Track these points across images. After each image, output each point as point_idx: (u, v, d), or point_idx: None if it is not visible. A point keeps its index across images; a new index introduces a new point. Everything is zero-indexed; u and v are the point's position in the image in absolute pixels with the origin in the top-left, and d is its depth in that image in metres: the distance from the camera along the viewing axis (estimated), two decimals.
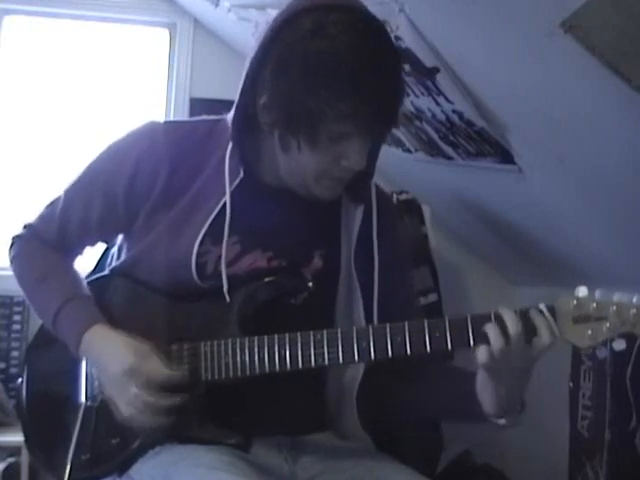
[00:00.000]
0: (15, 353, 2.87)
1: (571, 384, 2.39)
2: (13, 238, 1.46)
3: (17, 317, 2.88)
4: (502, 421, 1.21)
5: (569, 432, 2.41)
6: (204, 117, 1.41)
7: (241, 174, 1.31)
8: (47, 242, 1.42)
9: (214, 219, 1.30)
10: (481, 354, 1.13)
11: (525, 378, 1.19)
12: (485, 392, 1.20)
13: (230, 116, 1.29)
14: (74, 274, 1.44)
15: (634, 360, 1.98)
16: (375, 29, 1.19)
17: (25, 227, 1.46)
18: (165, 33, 3.14)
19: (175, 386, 1.26)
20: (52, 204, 1.43)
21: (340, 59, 1.13)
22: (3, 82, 3.07)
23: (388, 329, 1.19)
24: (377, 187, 1.40)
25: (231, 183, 1.31)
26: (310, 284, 1.31)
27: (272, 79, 1.18)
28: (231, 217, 1.30)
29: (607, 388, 2.17)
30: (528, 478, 2.78)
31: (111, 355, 1.28)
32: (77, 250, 1.45)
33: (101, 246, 1.55)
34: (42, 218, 1.44)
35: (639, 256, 2.01)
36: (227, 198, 1.30)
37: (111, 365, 1.28)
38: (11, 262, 1.45)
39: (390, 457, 1.35)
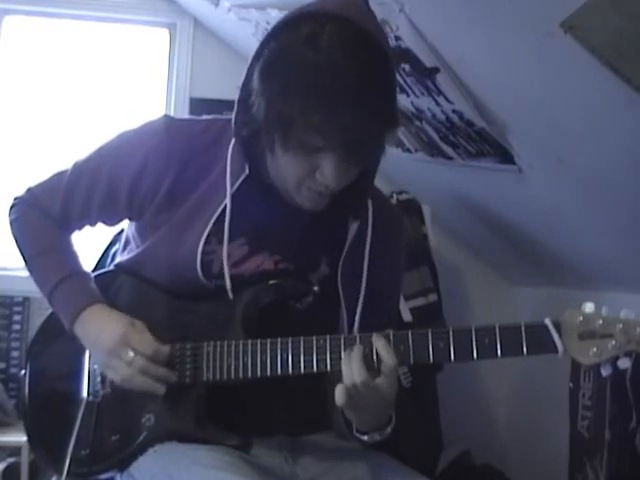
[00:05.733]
0: (15, 353, 2.87)
1: (571, 384, 2.39)
2: (15, 199, 1.47)
3: (17, 317, 2.88)
4: (377, 437, 1.26)
5: (569, 432, 2.41)
6: (217, 116, 1.40)
7: (246, 171, 1.30)
8: (48, 214, 1.42)
9: (218, 218, 1.30)
10: (338, 396, 1.16)
11: (387, 401, 1.20)
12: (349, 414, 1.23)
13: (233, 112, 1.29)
14: (75, 251, 1.45)
15: (634, 360, 1.98)
16: (371, 50, 1.15)
17: (28, 191, 1.46)
18: (165, 33, 3.14)
19: (164, 361, 1.28)
20: (58, 175, 1.43)
21: (322, 72, 1.11)
22: (3, 82, 3.07)
23: (392, 337, 1.19)
24: (377, 201, 1.39)
25: (235, 180, 1.31)
26: (315, 289, 1.31)
27: (258, 78, 1.18)
28: (237, 217, 1.30)
29: (607, 388, 2.17)
30: (528, 478, 2.78)
31: (106, 326, 1.31)
32: (77, 226, 1.46)
33: (101, 238, 1.56)
34: (46, 187, 1.44)
35: (639, 257, 2.01)
36: (227, 196, 1.30)
37: (106, 332, 1.30)
38: (11, 224, 1.45)
39: (390, 457, 1.35)
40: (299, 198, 1.26)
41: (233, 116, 1.27)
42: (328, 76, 1.11)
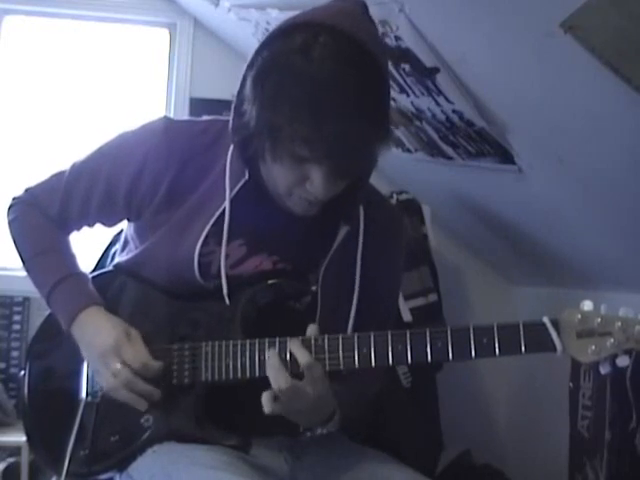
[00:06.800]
0: (15, 353, 2.87)
1: (571, 384, 2.38)
2: (13, 199, 1.47)
3: (17, 317, 2.88)
4: (322, 430, 1.27)
5: (569, 432, 2.41)
6: (216, 117, 1.41)
7: (246, 176, 1.31)
8: (47, 214, 1.42)
9: (217, 220, 1.31)
10: (266, 405, 1.18)
11: (318, 400, 1.20)
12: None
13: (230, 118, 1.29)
14: (73, 252, 1.45)
15: (634, 360, 1.99)
16: (363, 62, 1.14)
17: (27, 191, 1.46)
18: (165, 33, 3.14)
19: (153, 377, 1.28)
20: (57, 176, 1.43)
21: (312, 82, 1.11)
22: (3, 82, 3.07)
23: (390, 336, 1.19)
24: (373, 204, 1.39)
25: (235, 185, 1.31)
26: (314, 289, 1.31)
27: (251, 86, 1.18)
28: (236, 219, 1.31)
29: (607, 388, 2.17)
30: (528, 478, 2.78)
31: (101, 331, 1.31)
32: (75, 227, 1.46)
33: (101, 239, 1.57)
34: (45, 187, 1.45)
35: (639, 257, 2.01)
36: (227, 200, 1.31)
37: (100, 338, 1.31)
38: (9, 224, 1.45)
39: (390, 457, 1.35)
40: (290, 204, 1.27)
41: (230, 122, 1.27)
42: (317, 87, 1.11)
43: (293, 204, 1.26)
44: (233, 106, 1.26)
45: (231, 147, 1.31)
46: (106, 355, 1.29)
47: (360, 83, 1.13)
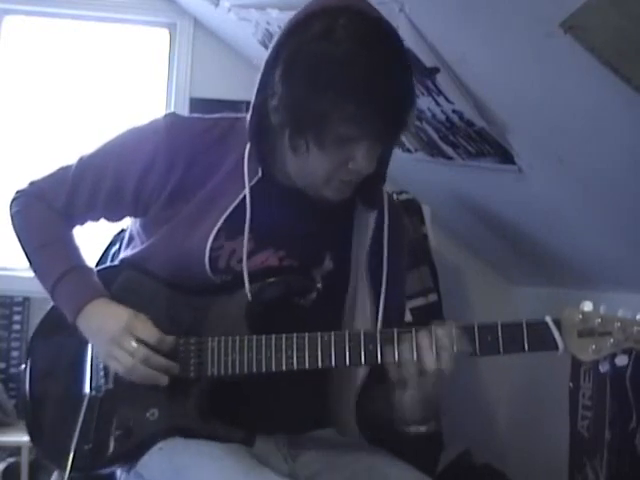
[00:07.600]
0: (15, 353, 2.87)
1: (571, 384, 2.39)
2: (17, 192, 1.46)
3: (17, 317, 2.88)
4: (422, 429, 1.26)
5: (569, 432, 2.41)
6: (225, 114, 1.41)
7: (259, 174, 1.32)
8: (52, 206, 1.42)
9: (229, 215, 1.31)
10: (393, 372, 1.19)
11: (439, 390, 1.21)
12: (403, 401, 1.23)
13: (248, 116, 1.30)
14: (77, 245, 1.44)
15: (634, 360, 1.99)
16: (384, 34, 1.19)
17: (32, 184, 1.45)
18: (165, 33, 3.14)
19: (168, 352, 1.28)
20: (63, 170, 1.43)
21: (345, 62, 1.14)
22: (3, 82, 3.07)
23: (396, 333, 1.19)
24: (387, 193, 1.42)
25: (249, 181, 1.32)
26: (319, 285, 1.32)
27: (281, 80, 1.20)
28: (245, 215, 1.31)
29: (607, 388, 2.17)
30: (528, 478, 2.78)
31: (110, 317, 1.31)
32: (80, 221, 1.45)
33: (101, 239, 1.57)
34: (51, 180, 1.44)
35: (639, 257, 2.01)
36: (247, 188, 1.31)
37: (109, 323, 1.30)
38: (12, 217, 1.44)
39: (389, 454, 1.35)
40: (327, 191, 1.27)
41: (247, 122, 1.28)
42: (353, 66, 1.14)
43: (332, 190, 1.27)
44: (252, 106, 1.27)
45: (247, 147, 1.32)
46: (119, 337, 1.28)
47: (389, 55, 1.17)
